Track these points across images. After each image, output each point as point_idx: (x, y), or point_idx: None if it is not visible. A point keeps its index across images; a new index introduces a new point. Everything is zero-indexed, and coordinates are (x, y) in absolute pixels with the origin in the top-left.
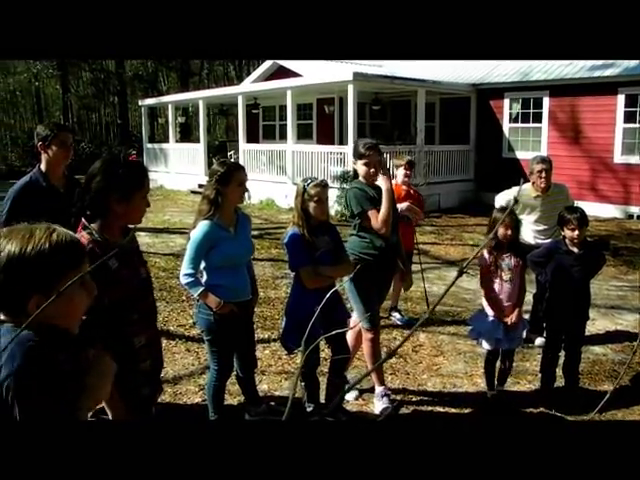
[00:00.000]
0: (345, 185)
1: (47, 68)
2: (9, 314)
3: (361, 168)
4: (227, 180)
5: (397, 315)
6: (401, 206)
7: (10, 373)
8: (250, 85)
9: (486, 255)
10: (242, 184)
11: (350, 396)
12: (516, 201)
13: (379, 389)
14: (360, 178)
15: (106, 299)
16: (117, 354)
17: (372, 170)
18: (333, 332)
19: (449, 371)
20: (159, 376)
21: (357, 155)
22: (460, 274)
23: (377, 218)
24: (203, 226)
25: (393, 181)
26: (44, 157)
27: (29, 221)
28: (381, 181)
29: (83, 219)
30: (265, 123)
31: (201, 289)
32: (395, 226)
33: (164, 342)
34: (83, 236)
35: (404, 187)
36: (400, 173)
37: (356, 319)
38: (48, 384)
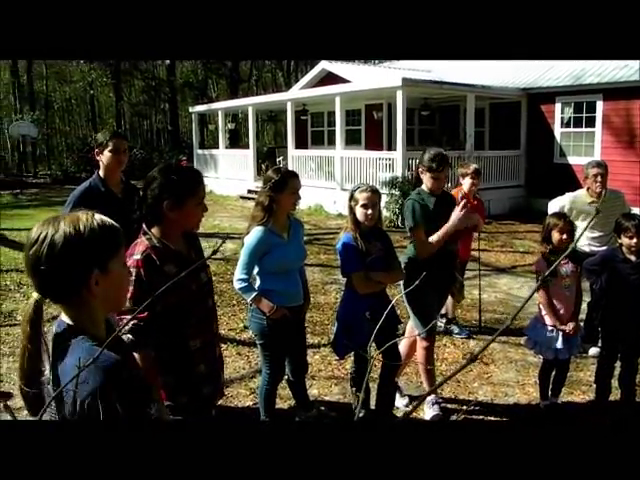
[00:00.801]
0: (394, 191)
1: (101, 77)
2: (60, 298)
3: (429, 181)
4: (281, 187)
5: (455, 329)
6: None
7: (92, 392)
8: (299, 91)
9: (544, 262)
10: (296, 192)
11: (401, 403)
12: (597, 212)
13: (430, 397)
14: (424, 186)
15: (159, 305)
16: (173, 357)
17: (439, 183)
18: (395, 339)
19: (500, 380)
20: (219, 378)
21: (426, 167)
22: (542, 282)
23: (421, 240)
24: (257, 232)
25: (461, 191)
26: (101, 163)
27: None
28: (459, 216)
29: (144, 225)
30: (314, 129)
31: (254, 294)
32: (455, 235)
33: None
34: (142, 242)
35: (471, 198)
36: (467, 182)
37: (412, 327)
38: (127, 402)
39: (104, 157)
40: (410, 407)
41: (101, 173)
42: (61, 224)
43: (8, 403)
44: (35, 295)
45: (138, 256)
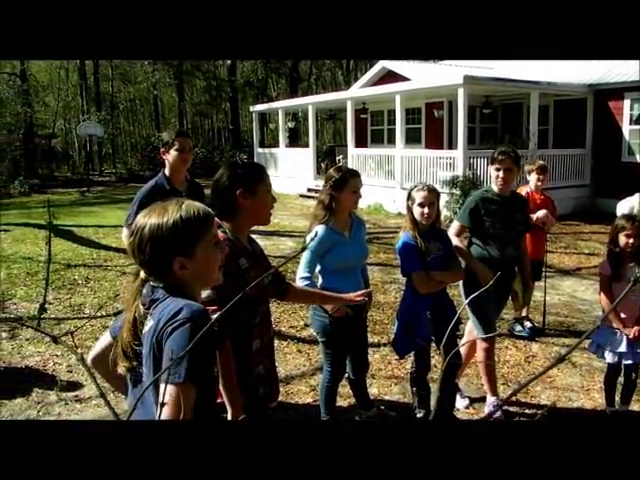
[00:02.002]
0: (455, 190)
1: (164, 77)
2: (158, 277)
3: (492, 173)
4: (342, 186)
5: (518, 326)
6: (537, 214)
7: (188, 318)
8: (359, 90)
9: (608, 264)
10: (356, 191)
11: (461, 404)
12: None
13: (491, 399)
14: (492, 185)
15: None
16: (236, 356)
17: (501, 176)
18: (457, 344)
19: (564, 384)
20: (275, 380)
21: (491, 159)
22: (635, 282)
23: (458, 239)
24: (318, 231)
25: (526, 188)
26: (167, 162)
27: None
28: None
29: (216, 219)
30: (373, 128)
31: None
32: (517, 239)
33: (276, 343)
34: (218, 234)
35: (537, 195)
36: (533, 178)
37: (471, 328)
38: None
39: (170, 156)
40: (471, 409)
41: (166, 172)
42: (151, 219)
43: (77, 393)
44: (142, 274)
45: None
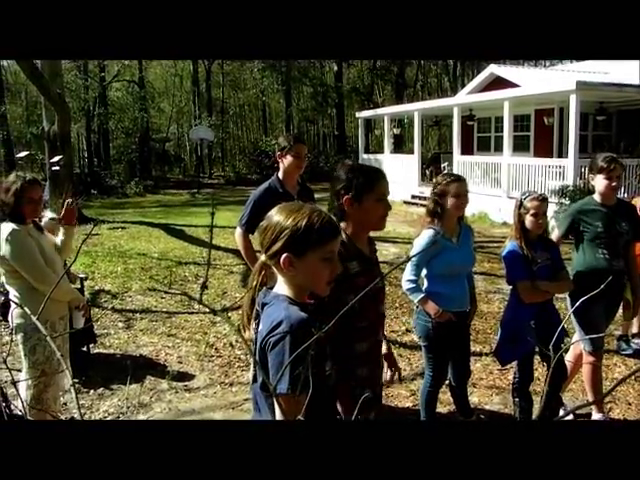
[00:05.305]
0: (563, 200)
1: (273, 84)
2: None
3: (601, 182)
4: (445, 192)
5: (623, 345)
6: None
7: (287, 331)
8: (466, 96)
9: None
10: (460, 196)
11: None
12: None
13: (597, 416)
14: (595, 195)
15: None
16: (335, 354)
17: (614, 184)
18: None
19: None
20: (377, 384)
21: (597, 169)
22: None
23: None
24: (426, 235)
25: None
26: (281, 165)
27: None
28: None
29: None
30: (480, 135)
31: (421, 295)
32: (624, 249)
33: None
34: None
35: None
36: None
37: (578, 340)
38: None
39: (286, 160)
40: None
41: (280, 175)
42: (283, 213)
43: (188, 384)
44: (263, 257)
45: None
